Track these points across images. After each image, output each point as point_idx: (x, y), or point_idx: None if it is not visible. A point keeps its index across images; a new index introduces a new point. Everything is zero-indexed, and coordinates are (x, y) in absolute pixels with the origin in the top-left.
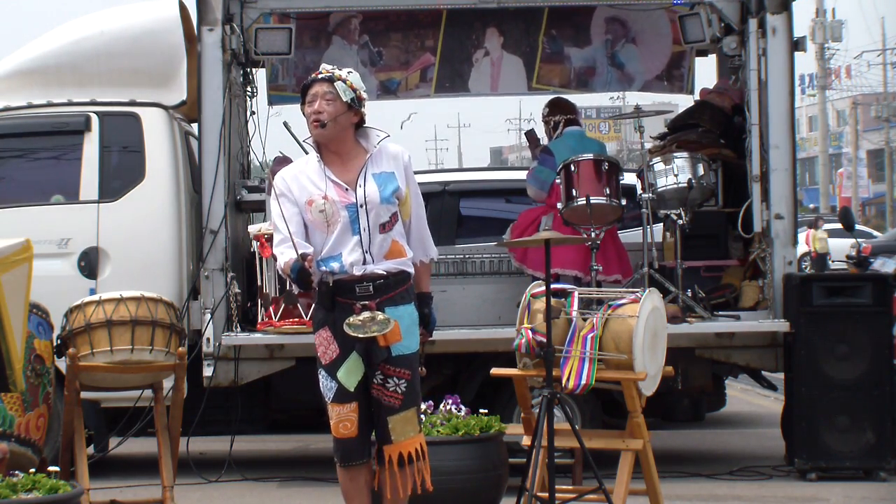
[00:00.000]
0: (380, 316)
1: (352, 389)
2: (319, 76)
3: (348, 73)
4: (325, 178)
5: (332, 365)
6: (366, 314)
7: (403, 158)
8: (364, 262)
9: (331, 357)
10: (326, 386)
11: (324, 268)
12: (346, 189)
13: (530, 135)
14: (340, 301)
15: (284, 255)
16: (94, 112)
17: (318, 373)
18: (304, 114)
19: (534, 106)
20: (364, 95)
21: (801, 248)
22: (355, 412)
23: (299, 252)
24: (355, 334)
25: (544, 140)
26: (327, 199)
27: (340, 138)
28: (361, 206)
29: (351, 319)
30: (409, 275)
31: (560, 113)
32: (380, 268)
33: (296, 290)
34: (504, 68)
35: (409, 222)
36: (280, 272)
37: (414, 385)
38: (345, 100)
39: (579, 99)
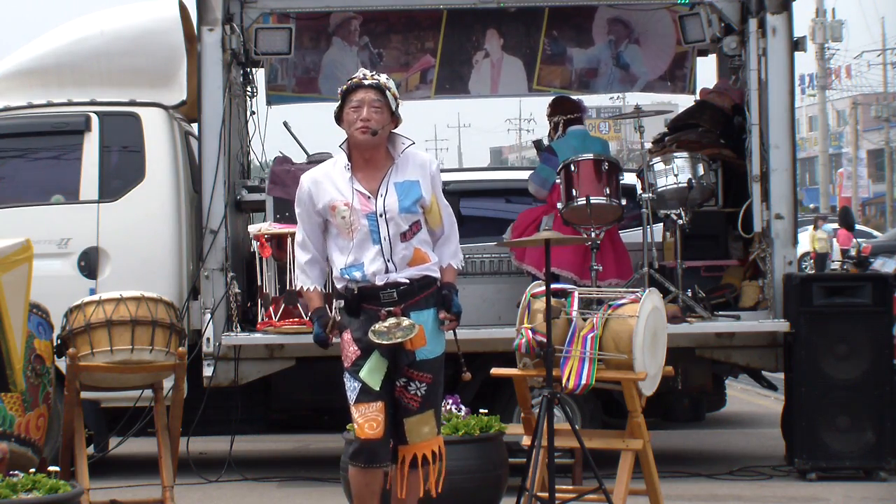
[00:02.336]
0: (405, 322)
1: (376, 388)
2: (365, 82)
3: (387, 79)
4: (350, 185)
5: (355, 366)
6: (391, 320)
7: (431, 168)
8: (386, 272)
9: (352, 359)
10: (350, 387)
11: (346, 276)
12: (369, 197)
13: (538, 144)
14: (366, 307)
15: (300, 280)
16: (94, 112)
17: (343, 377)
18: (339, 116)
19: (534, 106)
20: (401, 102)
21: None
22: (381, 412)
23: (329, 320)
24: (380, 341)
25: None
26: (349, 207)
27: (378, 145)
28: (381, 215)
29: (376, 327)
30: (434, 279)
31: (561, 112)
32: (402, 276)
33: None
34: (504, 70)
35: (440, 230)
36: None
37: (434, 389)
38: (392, 109)
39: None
